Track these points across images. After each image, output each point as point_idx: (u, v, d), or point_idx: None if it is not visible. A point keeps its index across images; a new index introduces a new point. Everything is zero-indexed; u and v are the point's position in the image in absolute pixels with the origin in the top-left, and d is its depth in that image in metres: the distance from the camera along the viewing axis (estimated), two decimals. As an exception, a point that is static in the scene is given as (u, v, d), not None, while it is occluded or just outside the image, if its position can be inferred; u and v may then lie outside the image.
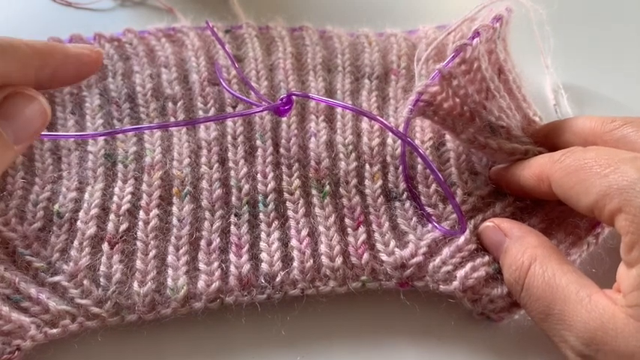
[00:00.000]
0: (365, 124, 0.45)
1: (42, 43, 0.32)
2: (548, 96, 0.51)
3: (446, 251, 0.39)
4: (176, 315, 0.37)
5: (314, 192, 0.41)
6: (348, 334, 0.39)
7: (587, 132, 0.39)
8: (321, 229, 0.40)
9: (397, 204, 0.42)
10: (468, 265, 0.38)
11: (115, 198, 0.40)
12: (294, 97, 0.42)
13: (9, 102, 0.30)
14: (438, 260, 0.39)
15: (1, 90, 0.30)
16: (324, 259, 0.38)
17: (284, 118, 0.44)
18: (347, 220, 0.40)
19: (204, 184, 0.41)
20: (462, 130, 0.40)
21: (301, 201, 0.41)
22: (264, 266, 0.38)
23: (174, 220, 0.40)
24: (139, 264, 0.38)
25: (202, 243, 0.39)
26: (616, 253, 0.33)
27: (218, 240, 0.39)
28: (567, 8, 0.57)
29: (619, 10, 0.59)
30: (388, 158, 0.43)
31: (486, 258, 0.39)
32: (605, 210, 0.32)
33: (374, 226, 0.40)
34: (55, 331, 0.36)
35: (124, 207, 0.40)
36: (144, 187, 0.41)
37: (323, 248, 0.39)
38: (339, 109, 0.45)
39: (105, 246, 0.38)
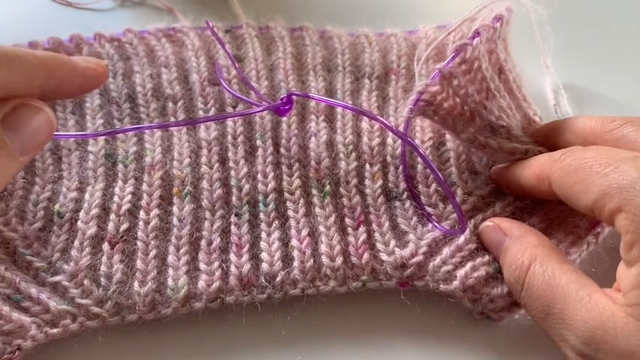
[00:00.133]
0: (365, 123, 0.45)
1: (49, 55, 0.32)
2: (548, 96, 0.51)
3: (446, 251, 0.39)
4: (176, 315, 0.37)
5: (314, 192, 0.41)
6: (349, 334, 0.39)
7: (587, 131, 0.39)
8: (322, 228, 0.40)
9: (397, 204, 0.42)
10: (468, 265, 0.38)
11: (116, 198, 0.40)
12: (294, 96, 0.42)
13: (16, 113, 0.30)
14: (438, 260, 0.39)
15: (8, 101, 0.30)
16: (325, 259, 0.38)
17: (284, 118, 0.44)
18: (347, 220, 0.40)
19: (204, 183, 0.41)
20: (462, 130, 0.40)
21: (301, 201, 0.41)
22: (264, 266, 0.38)
23: (175, 220, 0.40)
24: (139, 264, 0.38)
25: (203, 243, 0.39)
26: (616, 252, 0.33)
27: (218, 240, 0.39)
28: (567, 8, 0.57)
29: (619, 10, 0.59)
30: (388, 158, 0.43)
31: (486, 257, 0.39)
32: (605, 209, 0.32)
33: (374, 226, 0.40)
34: (55, 330, 0.36)
35: (125, 207, 0.40)
36: (144, 187, 0.41)
37: (323, 248, 0.39)
38: (339, 109, 0.45)
39: (105, 246, 0.38)
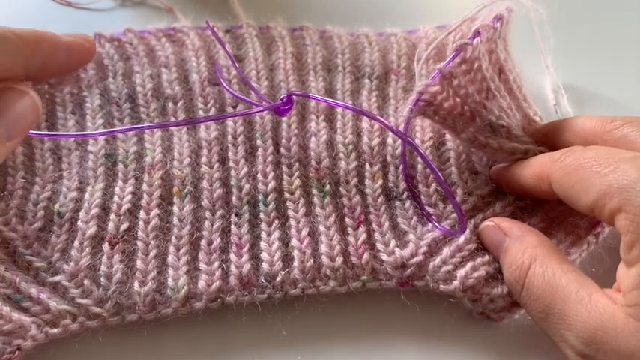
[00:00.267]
0: (365, 123, 0.45)
1: (31, 32, 0.31)
2: (548, 96, 0.51)
3: (446, 251, 0.39)
4: (177, 315, 0.37)
5: (314, 192, 0.41)
6: (349, 334, 0.39)
7: (587, 132, 0.39)
8: (322, 228, 0.40)
9: (397, 203, 0.42)
10: (468, 265, 0.38)
11: (116, 198, 0.40)
12: (294, 96, 0.42)
13: None
14: (438, 260, 0.39)
15: None
16: (325, 259, 0.38)
17: (284, 118, 0.44)
18: (347, 220, 0.40)
19: (204, 183, 0.41)
20: (462, 130, 0.40)
21: (301, 201, 0.41)
22: (264, 266, 0.38)
23: (175, 220, 0.40)
24: (139, 264, 0.38)
25: (203, 243, 0.39)
26: (616, 252, 0.33)
27: (218, 240, 0.39)
28: (567, 8, 0.57)
29: (619, 11, 0.59)
30: (388, 158, 0.43)
31: (486, 257, 0.39)
32: (605, 209, 0.32)
33: (374, 226, 0.40)
34: (55, 330, 0.36)
35: (125, 207, 0.40)
36: (144, 187, 0.41)
37: (323, 248, 0.39)
38: (339, 109, 0.45)
39: (105, 246, 0.38)
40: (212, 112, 0.45)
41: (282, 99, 0.42)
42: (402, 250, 0.39)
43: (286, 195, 0.41)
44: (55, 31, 0.46)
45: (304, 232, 0.40)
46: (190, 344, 0.38)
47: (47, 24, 0.50)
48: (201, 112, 0.45)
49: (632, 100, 0.51)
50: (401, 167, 0.43)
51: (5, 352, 0.34)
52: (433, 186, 0.42)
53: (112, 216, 0.39)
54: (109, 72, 0.46)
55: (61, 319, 0.36)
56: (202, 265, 0.38)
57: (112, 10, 0.55)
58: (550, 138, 0.42)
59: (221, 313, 0.38)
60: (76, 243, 0.38)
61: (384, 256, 0.39)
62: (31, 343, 0.35)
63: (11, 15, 0.54)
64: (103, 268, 0.37)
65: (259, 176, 0.42)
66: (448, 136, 0.44)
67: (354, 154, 0.43)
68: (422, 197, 0.42)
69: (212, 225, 0.40)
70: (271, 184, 0.41)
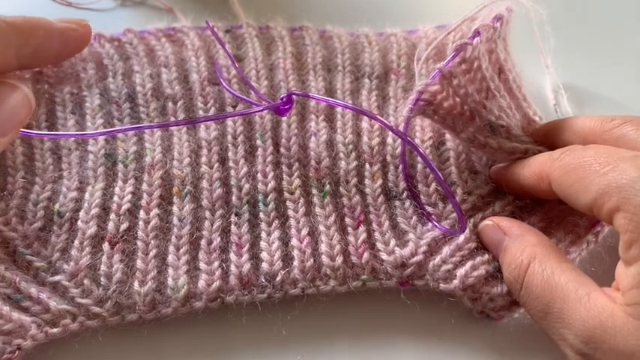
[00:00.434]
0: (365, 123, 0.45)
1: (22, 19, 0.30)
2: (548, 96, 0.51)
3: (446, 250, 0.39)
4: (177, 314, 0.37)
5: (314, 191, 0.41)
6: (349, 334, 0.39)
7: (586, 131, 0.39)
8: (322, 228, 0.40)
9: (397, 203, 0.42)
10: (468, 264, 0.38)
11: (116, 198, 0.40)
12: (294, 96, 0.42)
13: None
14: (438, 259, 0.39)
15: None
16: (325, 259, 0.39)
17: (284, 118, 0.44)
18: (347, 220, 0.40)
19: (204, 183, 0.41)
20: (462, 130, 0.40)
21: (301, 200, 0.41)
22: (264, 265, 0.38)
23: (175, 220, 0.40)
24: (139, 263, 0.38)
25: (203, 242, 0.39)
26: (615, 251, 0.33)
27: (218, 239, 0.39)
28: (567, 8, 0.57)
29: (619, 11, 0.59)
30: (388, 157, 0.43)
31: (486, 256, 0.39)
32: (604, 208, 0.32)
33: (374, 225, 0.40)
34: (55, 330, 0.36)
35: (125, 207, 0.40)
36: (144, 186, 0.41)
37: (323, 247, 0.39)
38: (339, 109, 0.45)
39: (105, 245, 0.38)
40: (212, 111, 0.45)
41: (282, 99, 0.42)
42: (402, 250, 0.39)
43: (286, 195, 0.41)
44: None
45: (304, 231, 0.40)
46: (190, 344, 0.38)
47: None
48: (201, 112, 0.45)
49: (632, 100, 0.51)
50: (401, 167, 0.43)
51: (5, 351, 0.34)
52: (433, 185, 0.42)
53: (112, 216, 0.39)
54: (108, 72, 0.46)
55: (61, 319, 0.36)
56: (202, 265, 0.38)
57: (112, 10, 0.55)
58: (550, 137, 0.42)
59: (221, 313, 0.38)
60: (76, 243, 0.38)
61: (383, 256, 0.39)
62: (31, 342, 0.35)
63: (11, 15, 0.54)
64: (103, 267, 0.37)
65: (259, 176, 0.42)
66: (448, 136, 0.44)
67: (353, 154, 0.43)
68: (422, 197, 0.42)
69: (212, 225, 0.40)
70: (271, 184, 0.41)
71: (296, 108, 0.45)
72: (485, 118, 0.40)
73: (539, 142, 0.41)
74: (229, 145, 0.43)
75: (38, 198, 0.40)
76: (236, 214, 0.40)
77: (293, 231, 0.40)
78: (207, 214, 0.40)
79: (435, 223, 0.40)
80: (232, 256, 0.39)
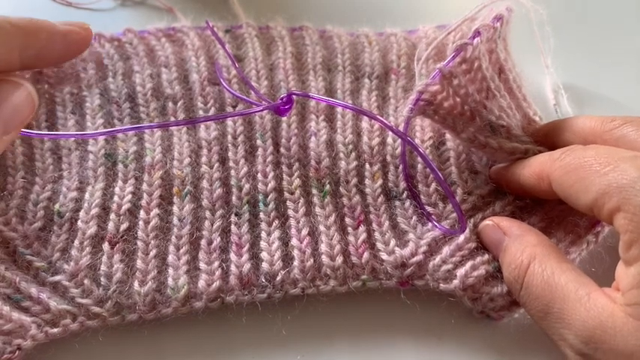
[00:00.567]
0: (365, 123, 0.45)
1: (26, 20, 0.30)
2: (548, 96, 0.51)
3: (446, 250, 0.39)
4: (177, 314, 0.37)
5: (314, 191, 0.41)
6: (349, 334, 0.39)
7: (587, 131, 0.39)
8: (322, 228, 0.40)
9: (397, 203, 0.42)
10: (468, 264, 0.38)
11: (116, 198, 0.40)
12: (294, 96, 0.42)
13: None
14: (438, 259, 0.39)
15: None
16: (325, 259, 0.39)
17: (284, 118, 0.44)
18: (347, 220, 0.40)
19: (204, 183, 0.41)
20: (462, 130, 0.40)
21: (301, 200, 0.41)
22: (264, 265, 0.38)
23: (175, 220, 0.40)
24: (139, 263, 0.38)
25: (203, 242, 0.39)
26: (616, 251, 0.33)
27: (218, 239, 0.39)
28: (567, 8, 0.57)
29: (619, 11, 0.59)
30: (388, 157, 0.43)
31: (486, 256, 0.39)
32: (604, 208, 0.32)
33: (374, 225, 0.40)
34: (55, 330, 0.36)
35: (125, 206, 0.40)
36: (144, 186, 0.41)
37: (323, 247, 0.39)
38: (339, 109, 0.45)
39: (105, 245, 0.38)
40: (212, 111, 0.45)
41: (282, 99, 0.42)
42: (402, 250, 0.39)
43: (286, 195, 0.41)
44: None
45: (304, 231, 0.40)
46: (190, 344, 0.38)
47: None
48: (201, 112, 0.45)
49: (632, 100, 0.51)
50: (401, 167, 0.43)
51: (5, 351, 0.34)
52: (433, 185, 0.42)
53: (112, 216, 0.39)
54: (108, 72, 0.46)
55: (61, 319, 0.36)
56: (202, 265, 0.38)
57: (112, 10, 0.55)
58: (550, 138, 0.42)
59: (221, 313, 0.38)
60: (76, 243, 0.38)
61: (384, 256, 0.39)
62: (31, 342, 0.35)
63: (11, 15, 0.54)
64: (103, 267, 0.37)
65: (259, 176, 0.42)
66: (448, 136, 0.44)
67: (353, 154, 0.43)
68: (422, 197, 0.42)
69: (212, 225, 0.40)
70: (271, 184, 0.41)
71: (296, 108, 0.45)
72: (486, 118, 0.40)
73: (540, 142, 0.41)
74: (229, 145, 0.43)
75: (38, 198, 0.40)
76: (236, 214, 0.40)
77: (293, 231, 0.40)
78: (208, 214, 0.40)
79: (435, 223, 0.40)
80: (232, 256, 0.39)
